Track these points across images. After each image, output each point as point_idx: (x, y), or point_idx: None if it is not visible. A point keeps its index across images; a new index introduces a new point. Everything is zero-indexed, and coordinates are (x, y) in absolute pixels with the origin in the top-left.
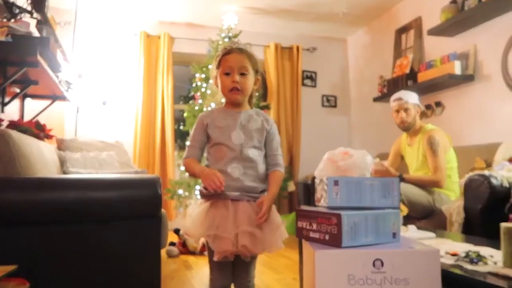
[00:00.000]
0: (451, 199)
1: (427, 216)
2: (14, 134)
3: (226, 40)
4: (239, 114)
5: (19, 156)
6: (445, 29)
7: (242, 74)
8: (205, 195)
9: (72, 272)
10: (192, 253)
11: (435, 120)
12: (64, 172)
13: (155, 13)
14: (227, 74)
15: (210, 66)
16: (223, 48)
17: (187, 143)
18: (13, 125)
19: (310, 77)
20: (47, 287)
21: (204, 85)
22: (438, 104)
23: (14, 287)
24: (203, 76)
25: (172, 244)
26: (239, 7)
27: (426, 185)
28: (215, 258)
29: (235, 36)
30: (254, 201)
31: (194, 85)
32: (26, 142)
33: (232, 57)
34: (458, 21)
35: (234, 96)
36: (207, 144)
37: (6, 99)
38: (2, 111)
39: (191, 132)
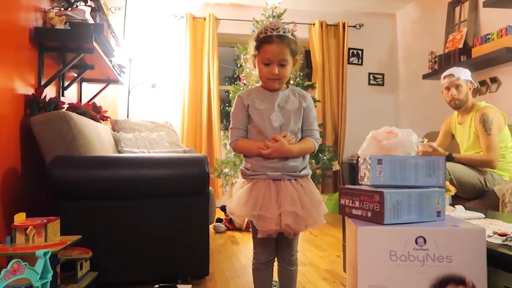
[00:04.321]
0: (505, 179)
1: (478, 197)
2: (75, 116)
3: (271, 20)
4: (276, 95)
5: (79, 136)
6: (503, 0)
7: (282, 65)
8: (247, 175)
9: (128, 243)
10: (238, 229)
11: (490, 96)
12: (119, 152)
13: None
14: (266, 64)
15: None
16: (263, 29)
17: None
18: (72, 107)
19: (356, 55)
20: (106, 256)
21: (249, 65)
22: (493, 80)
23: (78, 255)
24: (248, 56)
25: (219, 220)
26: None
27: (477, 165)
28: (259, 236)
29: (279, 15)
30: (295, 180)
31: (239, 65)
32: (85, 123)
33: (272, 49)
34: None
35: (272, 84)
36: (248, 125)
37: (66, 83)
38: (63, 95)
39: (232, 113)
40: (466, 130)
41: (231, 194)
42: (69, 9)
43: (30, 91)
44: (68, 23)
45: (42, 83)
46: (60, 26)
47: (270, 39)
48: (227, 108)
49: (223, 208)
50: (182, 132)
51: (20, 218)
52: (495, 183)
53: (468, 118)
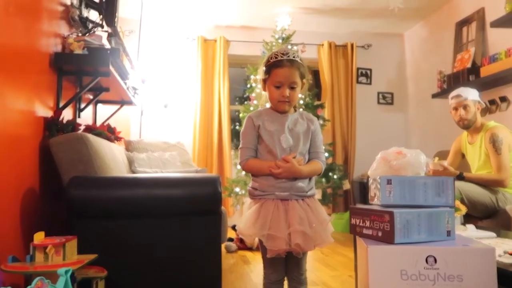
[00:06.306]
0: None
1: (490, 216)
2: (91, 137)
3: (280, 41)
4: (285, 117)
5: (96, 157)
6: (510, 20)
7: (292, 88)
8: (255, 195)
9: (141, 262)
10: (249, 248)
11: (500, 115)
12: (133, 171)
13: (211, 18)
14: (277, 87)
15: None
16: (273, 54)
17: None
18: (88, 129)
19: (365, 75)
20: (120, 274)
21: (259, 86)
22: (503, 99)
23: (94, 273)
24: (257, 77)
25: (230, 239)
26: (292, 7)
27: (488, 185)
28: (268, 255)
29: (289, 37)
30: (302, 200)
31: (249, 86)
32: (101, 144)
33: (283, 72)
34: None
35: (282, 107)
36: (258, 145)
37: (82, 105)
38: (79, 116)
39: (242, 133)
40: (477, 150)
41: (242, 213)
42: (87, 34)
43: (49, 113)
44: (86, 48)
45: (61, 105)
46: (78, 51)
47: (281, 63)
48: (237, 127)
49: (234, 227)
50: (194, 152)
51: (39, 237)
52: (507, 202)
53: (478, 138)
